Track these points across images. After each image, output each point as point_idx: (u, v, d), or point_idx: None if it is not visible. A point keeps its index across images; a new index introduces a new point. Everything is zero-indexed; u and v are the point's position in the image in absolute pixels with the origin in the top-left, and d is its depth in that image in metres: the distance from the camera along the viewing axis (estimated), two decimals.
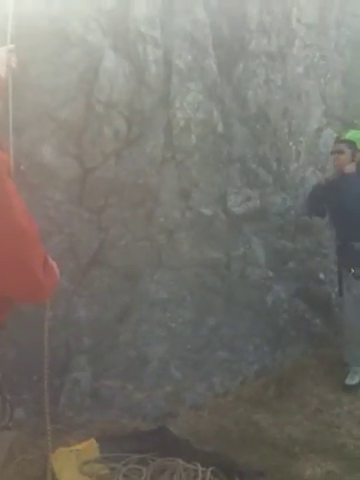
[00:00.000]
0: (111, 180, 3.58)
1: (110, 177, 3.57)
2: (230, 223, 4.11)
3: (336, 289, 4.19)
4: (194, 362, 3.68)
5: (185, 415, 3.52)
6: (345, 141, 3.94)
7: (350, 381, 3.93)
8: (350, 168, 3.92)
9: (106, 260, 3.56)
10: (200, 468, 2.73)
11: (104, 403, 3.36)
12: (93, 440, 2.92)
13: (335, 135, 4.64)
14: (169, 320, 3.69)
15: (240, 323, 3.98)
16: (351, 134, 3.98)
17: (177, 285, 3.77)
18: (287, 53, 4.50)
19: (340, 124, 4.88)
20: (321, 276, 4.45)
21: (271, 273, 4.25)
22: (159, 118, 3.72)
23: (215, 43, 4.04)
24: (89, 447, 2.87)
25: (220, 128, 4.03)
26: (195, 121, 3.84)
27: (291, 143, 4.52)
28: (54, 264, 1.92)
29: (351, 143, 3.91)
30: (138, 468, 2.76)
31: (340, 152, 3.94)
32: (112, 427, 3.24)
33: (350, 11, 5.17)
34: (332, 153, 4.12)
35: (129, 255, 3.62)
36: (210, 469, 2.73)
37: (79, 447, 2.87)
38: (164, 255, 3.78)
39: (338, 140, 4.04)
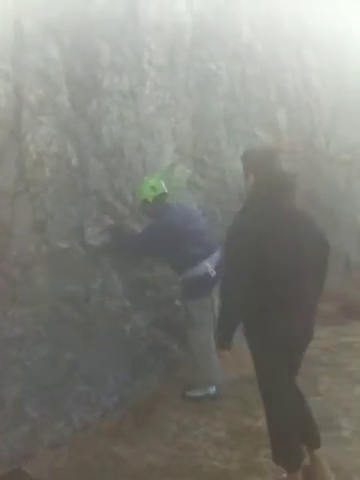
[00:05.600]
0: None
1: None
2: (87, 255, 4.14)
3: None
4: (51, 399, 3.59)
5: (43, 454, 3.42)
6: None
7: (192, 393, 4.13)
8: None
9: None
10: None
11: None
12: None
13: (187, 171, 4.96)
14: (24, 358, 3.57)
15: (99, 355, 3.98)
16: (139, 185, 4.42)
17: (33, 321, 3.68)
18: (139, 92, 4.74)
19: (191, 161, 5.22)
20: (177, 303, 4.64)
21: (129, 303, 4.34)
22: (10, 151, 3.67)
23: (68, 80, 4.12)
24: None
25: (75, 162, 4.09)
26: (48, 154, 3.86)
27: (146, 178, 4.71)
28: None
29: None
30: None
31: None
32: None
33: (198, 56, 5.62)
34: None
35: None
36: None
37: None
38: (18, 290, 3.68)
39: None
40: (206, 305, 4.10)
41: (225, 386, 4.26)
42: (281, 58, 6.96)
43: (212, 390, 4.20)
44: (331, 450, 3.32)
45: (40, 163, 3.79)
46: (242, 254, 2.74)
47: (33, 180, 3.76)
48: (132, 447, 3.57)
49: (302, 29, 7.41)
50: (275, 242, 2.77)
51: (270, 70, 6.62)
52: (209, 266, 4.06)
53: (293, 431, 2.94)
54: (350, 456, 3.32)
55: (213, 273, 4.04)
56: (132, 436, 3.68)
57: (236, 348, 4.50)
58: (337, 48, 8.07)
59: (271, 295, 2.79)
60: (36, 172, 3.78)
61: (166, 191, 4.35)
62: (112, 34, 4.57)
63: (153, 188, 4.25)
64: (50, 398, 3.59)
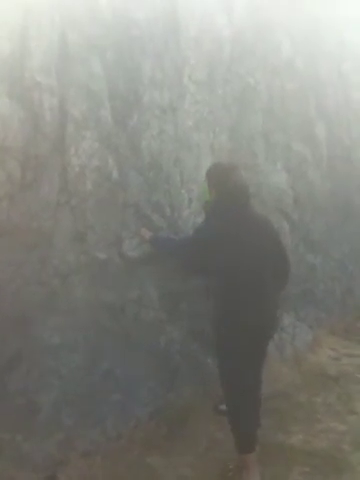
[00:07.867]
0: (3, 222, 3.56)
1: (2, 219, 3.55)
2: (125, 266, 4.21)
3: None
4: (86, 407, 3.65)
5: (77, 462, 3.47)
6: None
7: (224, 407, 4.11)
8: None
9: None
10: None
11: None
12: None
13: None
14: (61, 366, 3.65)
15: (134, 365, 4.03)
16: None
17: (71, 329, 3.76)
18: (178, 107, 4.80)
19: None
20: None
21: (164, 315, 4.38)
22: (54, 164, 3.78)
23: (110, 94, 4.22)
24: None
25: (115, 175, 4.17)
26: (90, 168, 3.96)
27: (183, 191, 4.76)
28: None
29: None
30: None
31: None
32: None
33: (236, 71, 5.65)
34: None
35: (20, 300, 3.57)
36: None
37: None
38: (58, 299, 3.77)
39: None
40: None
41: None
42: (321, 72, 6.92)
43: None
44: None
45: (82, 176, 3.89)
46: (204, 243, 3.35)
47: (75, 192, 3.86)
48: (165, 458, 3.60)
49: (342, 43, 7.36)
50: (238, 243, 3.28)
51: (310, 84, 6.59)
52: None
53: (246, 417, 3.40)
54: None
55: None
56: (165, 447, 3.70)
57: (270, 362, 4.51)
58: None
59: (237, 291, 3.30)
60: (78, 185, 3.88)
61: None
62: (154, 50, 4.65)
63: None
64: (85, 406, 3.65)
